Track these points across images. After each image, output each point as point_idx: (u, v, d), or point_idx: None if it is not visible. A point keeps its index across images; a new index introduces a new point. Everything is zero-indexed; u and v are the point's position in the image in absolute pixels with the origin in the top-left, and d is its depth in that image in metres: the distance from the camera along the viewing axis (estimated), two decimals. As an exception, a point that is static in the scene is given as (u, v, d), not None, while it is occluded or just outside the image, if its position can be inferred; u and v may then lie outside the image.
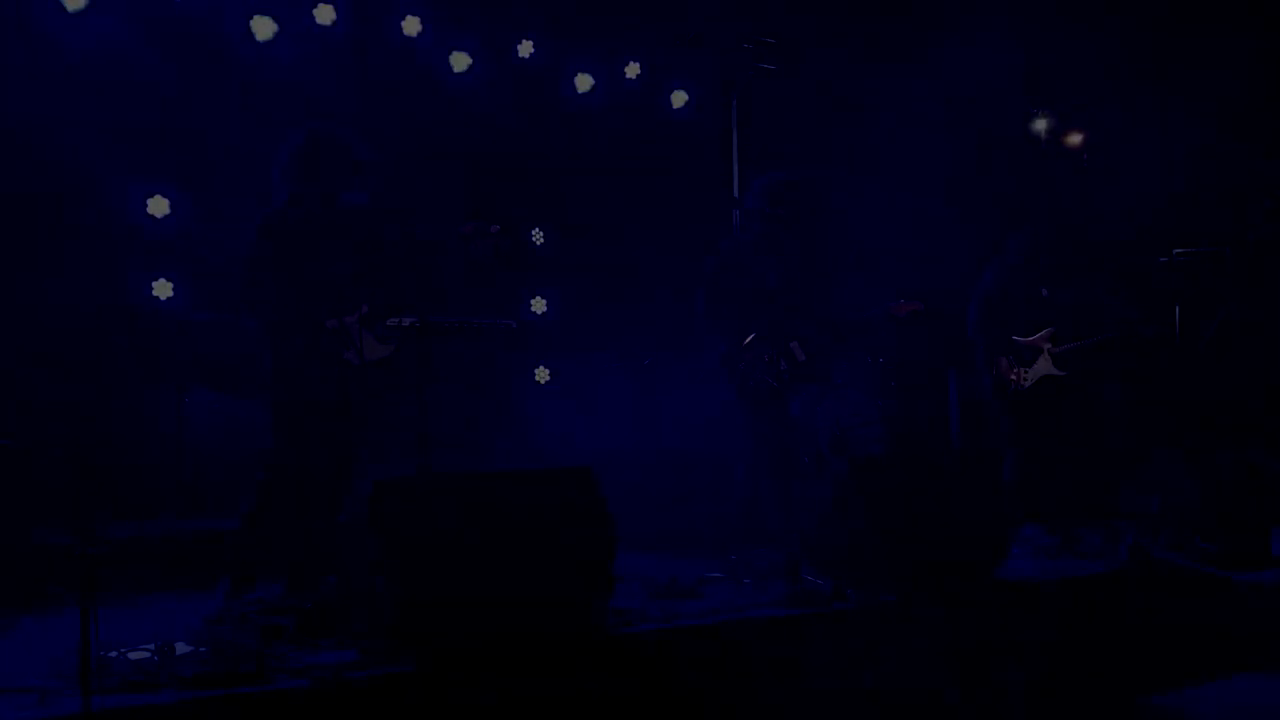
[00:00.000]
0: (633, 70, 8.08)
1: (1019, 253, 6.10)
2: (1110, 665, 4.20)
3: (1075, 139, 8.97)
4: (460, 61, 7.50)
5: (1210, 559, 4.67)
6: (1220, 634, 4.46)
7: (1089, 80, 8.60)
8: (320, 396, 4.26)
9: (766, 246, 5.36)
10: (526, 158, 7.70)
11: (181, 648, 3.28)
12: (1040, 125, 8.93)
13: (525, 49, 7.69)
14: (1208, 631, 4.44)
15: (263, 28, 6.70)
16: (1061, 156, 8.97)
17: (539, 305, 8.09)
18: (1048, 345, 5.98)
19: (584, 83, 7.98)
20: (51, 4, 6.07)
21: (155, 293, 6.57)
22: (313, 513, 4.35)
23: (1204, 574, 4.56)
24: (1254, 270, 8.00)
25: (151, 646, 3.17)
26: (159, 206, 6.57)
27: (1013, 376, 5.97)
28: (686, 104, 8.29)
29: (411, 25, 7.24)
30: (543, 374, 7.99)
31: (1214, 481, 5.15)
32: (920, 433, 7.40)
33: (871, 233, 7.48)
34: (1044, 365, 5.96)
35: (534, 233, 8.06)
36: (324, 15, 6.88)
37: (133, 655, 3.16)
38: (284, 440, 4.30)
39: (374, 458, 4.83)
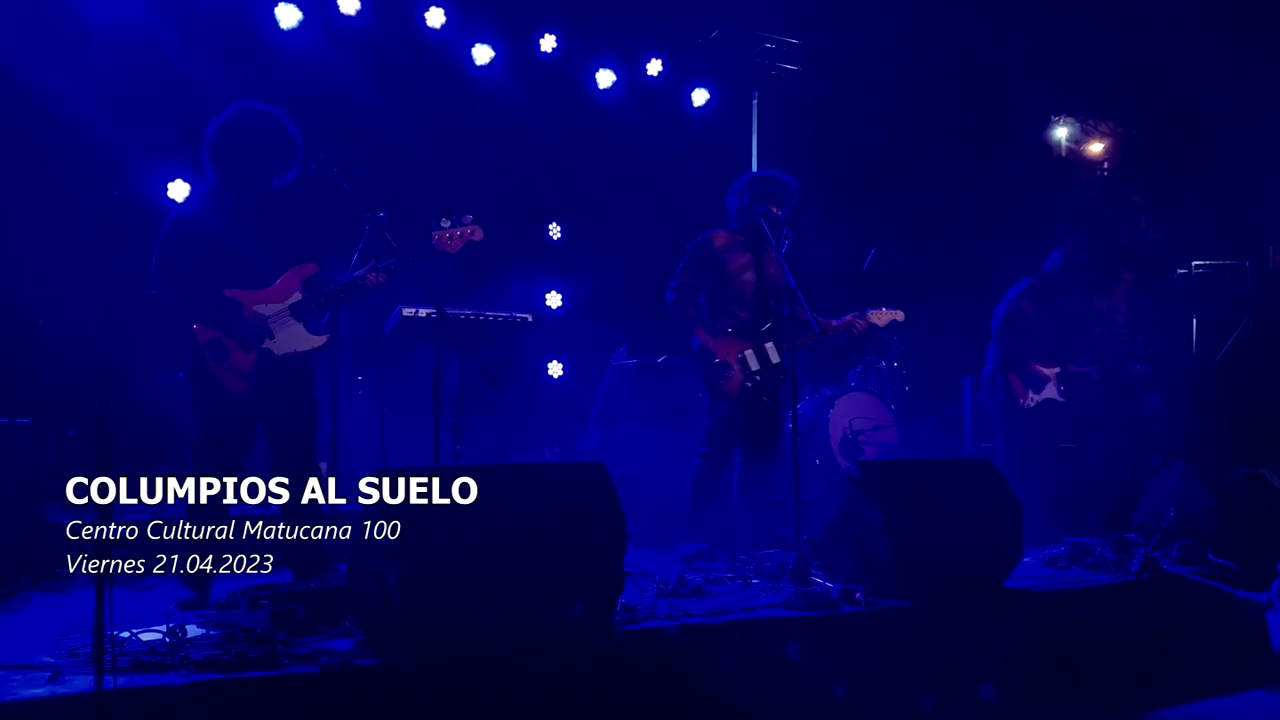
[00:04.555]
0: (655, 67, 8.07)
1: (1055, 267, 6.16)
2: (1118, 678, 4.19)
3: (1096, 148, 8.93)
4: (483, 54, 7.52)
5: (1223, 574, 4.65)
6: (1231, 650, 4.43)
7: (1112, 86, 8.55)
8: (235, 386, 4.09)
9: (744, 244, 5.29)
10: (546, 151, 7.71)
11: (193, 630, 3.30)
12: (1061, 134, 8.89)
13: (548, 43, 7.70)
14: (1218, 647, 4.41)
15: (287, 15, 6.74)
16: (1081, 164, 8.92)
17: (554, 299, 8.11)
18: (1054, 380, 6.13)
19: (606, 78, 7.99)
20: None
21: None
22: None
23: (1216, 589, 4.53)
24: (1274, 284, 7.94)
25: (163, 628, 3.19)
26: (181, 192, 6.60)
27: (1019, 395, 6.07)
28: (708, 102, 8.29)
29: (435, 16, 7.26)
30: (556, 368, 8.01)
31: (1229, 497, 5.13)
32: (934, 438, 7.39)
33: (885, 238, 7.46)
34: (1050, 392, 6.19)
35: (551, 226, 8.07)
36: (348, 4, 6.91)
37: (145, 636, 3.18)
38: (201, 425, 4.15)
39: (389, 447, 4.81)
